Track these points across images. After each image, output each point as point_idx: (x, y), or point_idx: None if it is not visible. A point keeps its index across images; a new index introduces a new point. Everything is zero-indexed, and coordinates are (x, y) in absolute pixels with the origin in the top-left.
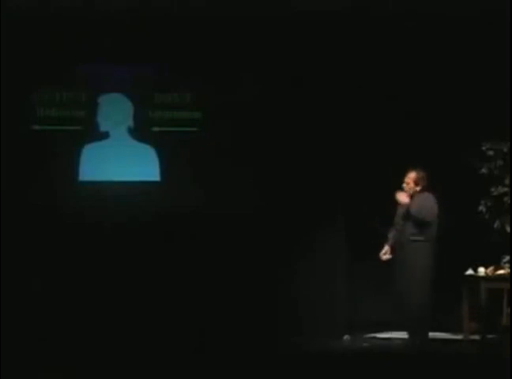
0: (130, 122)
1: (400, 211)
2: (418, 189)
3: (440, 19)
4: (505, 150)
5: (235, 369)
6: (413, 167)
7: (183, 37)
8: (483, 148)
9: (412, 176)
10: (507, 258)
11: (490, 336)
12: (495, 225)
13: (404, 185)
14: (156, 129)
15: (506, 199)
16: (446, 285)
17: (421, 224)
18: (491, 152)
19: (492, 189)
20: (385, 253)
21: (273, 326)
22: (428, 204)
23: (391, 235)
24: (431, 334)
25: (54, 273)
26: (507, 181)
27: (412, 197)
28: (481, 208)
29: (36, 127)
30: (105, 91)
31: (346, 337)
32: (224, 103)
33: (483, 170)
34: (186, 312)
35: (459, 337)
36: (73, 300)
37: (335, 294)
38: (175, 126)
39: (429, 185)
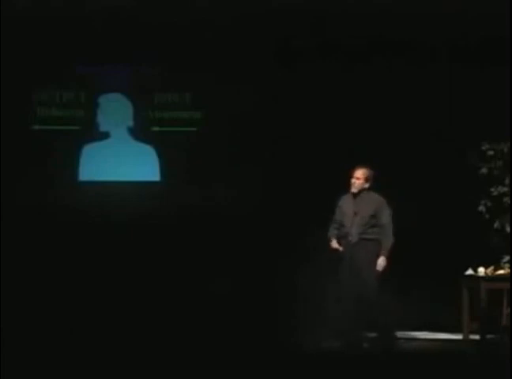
0: (130, 122)
1: (348, 211)
2: (366, 186)
3: (440, 18)
4: (505, 150)
5: (234, 369)
6: (362, 165)
7: (183, 37)
8: (483, 148)
9: (364, 172)
10: (507, 258)
11: (490, 336)
12: (495, 225)
13: (354, 179)
14: (156, 128)
15: (506, 199)
16: (445, 285)
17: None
18: (491, 152)
19: (492, 189)
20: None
21: (273, 326)
22: (383, 206)
23: (334, 232)
24: (432, 334)
25: (54, 273)
26: (507, 182)
27: (358, 193)
28: (481, 208)
29: (36, 127)
30: (105, 91)
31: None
32: (223, 103)
33: (483, 170)
34: (186, 311)
35: (459, 337)
36: (72, 300)
37: (335, 294)
38: (175, 126)
39: (374, 185)
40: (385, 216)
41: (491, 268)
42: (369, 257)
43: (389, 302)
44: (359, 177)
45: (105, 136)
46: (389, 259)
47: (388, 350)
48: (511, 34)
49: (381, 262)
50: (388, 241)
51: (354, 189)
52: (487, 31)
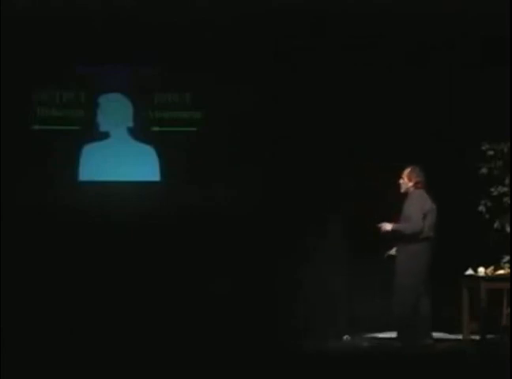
0: (130, 122)
1: None
2: (410, 184)
3: (440, 18)
4: (505, 150)
5: (235, 369)
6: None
7: (183, 37)
8: (483, 148)
9: (405, 172)
10: (507, 258)
11: (490, 336)
12: (495, 225)
13: (401, 180)
14: (155, 128)
15: (506, 199)
16: (445, 285)
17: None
18: (491, 152)
19: (492, 189)
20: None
21: (273, 326)
22: (411, 213)
23: None
24: (432, 334)
25: (54, 273)
26: (507, 182)
27: (406, 194)
28: (481, 208)
29: (36, 127)
30: (105, 91)
31: (346, 337)
32: (223, 103)
33: (483, 170)
34: (186, 311)
35: (459, 337)
36: (72, 300)
37: (335, 294)
38: (175, 126)
39: (424, 181)
40: (408, 209)
41: (491, 268)
42: (407, 258)
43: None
44: (403, 177)
45: (105, 136)
46: (393, 234)
47: (404, 349)
48: (511, 34)
49: (385, 225)
50: (408, 226)
51: (401, 190)
52: (487, 31)
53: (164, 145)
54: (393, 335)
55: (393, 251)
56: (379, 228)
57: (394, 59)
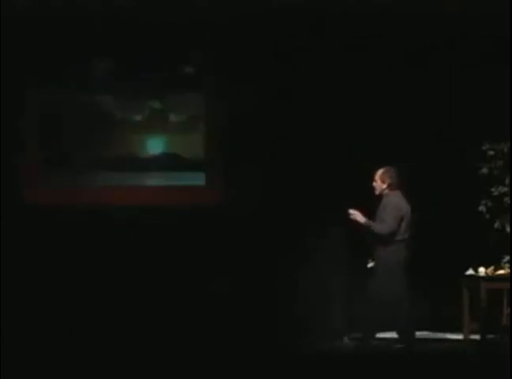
0: None
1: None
2: (384, 186)
3: (440, 18)
4: (505, 150)
5: (235, 370)
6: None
7: (183, 37)
8: (484, 148)
9: (378, 173)
10: (507, 258)
11: (490, 336)
12: (496, 225)
13: (374, 183)
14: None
15: (506, 199)
16: (445, 285)
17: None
18: (491, 152)
19: (492, 189)
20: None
21: (273, 327)
22: (386, 216)
23: None
24: (432, 334)
25: (53, 273)
26: (507, 181)
27: (380, 196)
28: (481, 208)
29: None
30: (105, 91)
31: (346, 337)
32: (224, 103)
33: (483, 170)
34: (186, 311)
35: (459, 337)
36: (72, 301)
37: (335, 294)
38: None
39: (399, 183)
40: (383, 212)
41: (491, 268)
42: (383, 262)
43: (409, 302)
44: (376, 179)
45: None
46: (362, 229)
47: (407, 350)
48: (511, 34)
49: (357, 215)
50: (381, 225)
51: (376, 193)
52: (487, 31)
53: None
54: (393, 335)
55: (371, 263)
56: (349, 214)
57: (394, 59)
